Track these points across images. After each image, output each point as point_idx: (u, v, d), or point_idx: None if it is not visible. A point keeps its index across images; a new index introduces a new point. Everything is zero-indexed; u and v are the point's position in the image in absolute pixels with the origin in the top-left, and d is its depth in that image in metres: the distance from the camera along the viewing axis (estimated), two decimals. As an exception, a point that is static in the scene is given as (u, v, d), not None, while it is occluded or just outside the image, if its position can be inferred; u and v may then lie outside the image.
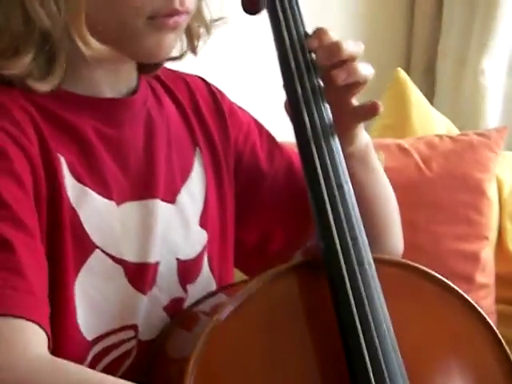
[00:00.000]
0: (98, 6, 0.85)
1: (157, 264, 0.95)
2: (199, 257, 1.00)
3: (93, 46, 0.86)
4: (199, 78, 1.08)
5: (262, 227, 1.07)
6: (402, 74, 2.06)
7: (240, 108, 1.10)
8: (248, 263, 1.08)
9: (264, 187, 1.06)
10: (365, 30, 2.32)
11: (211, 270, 1.01)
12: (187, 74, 1.07)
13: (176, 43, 0.93)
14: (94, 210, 0.90)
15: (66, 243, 0.88)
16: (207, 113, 1.04)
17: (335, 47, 0.92)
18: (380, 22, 2.41)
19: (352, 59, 0.92)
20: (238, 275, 1.08)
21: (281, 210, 1.06)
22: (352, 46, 0.93)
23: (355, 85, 0.93)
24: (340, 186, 0.90)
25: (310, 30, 0.96)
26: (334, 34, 0.94)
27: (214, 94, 1.07)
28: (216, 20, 0.97)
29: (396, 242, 1.12)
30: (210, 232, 1.01)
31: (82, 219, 0.90)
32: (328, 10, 2.19)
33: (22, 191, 0.83)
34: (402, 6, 2.47)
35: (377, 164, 1.06)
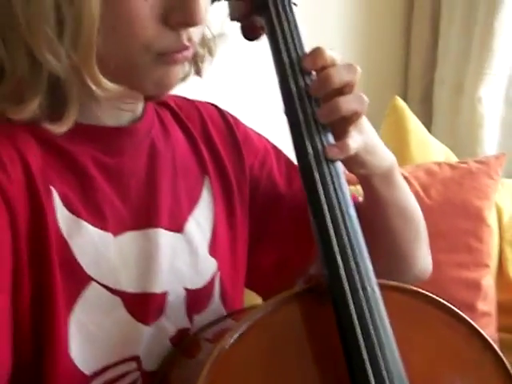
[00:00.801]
0: (107, 45, 0.82)
1: (164, 294, 0.94)
2: (208, 285, 0.98)
3: (104, 86, 0.84)
4: (212, 105, 1.08)
5: (280, 249, 1.06)
6: (400, 102, 2.07)
7: (256, 133, 1.09)
8: (264, 285, 1.07)
9: (283, 210, 1.06)
10: (362, 59, 2.33)
11: (222, 298, 1.00)
12: (200, 102, 1.07)
13: (182, 73, 0.92)
14: (89, 242, 0.89)
15: (54, 277, 0.86)
16: (219, 140, 1.04)
17: (325, 77, 0.90)
18: (377, 50, 2.43)
19: (345, 88, 0.91)
20: (248, 299, 1.08)
21: (298, 233, 1.05)
22: (345, 74, 0.91)
23: (345, 119, 0.91)
24: (343, 212, 0.89)
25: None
26: (331, 54, 0.92)
27: (228, 122, 1.06)
28: (215, 37, 0.96)
29: (425, 261, 1.12)
30: (220, 260, 1.00)
31: (75, 251, 0.88)
32: (325, 37, 2.20)
33: None
34: (399, 34, 2.49)
35: (402, 182, 1.05)
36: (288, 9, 0.95)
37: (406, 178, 1.79)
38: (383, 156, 1.00)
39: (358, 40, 2.39)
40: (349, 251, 0.88)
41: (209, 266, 0.99)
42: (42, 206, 0.85)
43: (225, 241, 1.02)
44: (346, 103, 0.90)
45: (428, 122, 2.31)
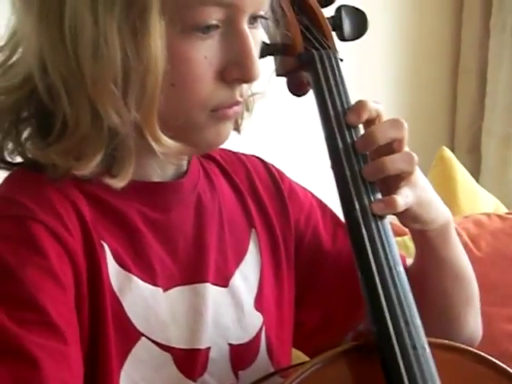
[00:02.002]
0: (166, 102, 0.83)
1: (208, 349, 0.93)
2: (254, 340, 0.97)
3: (164, 144, 0.84)
4: (257, 158, 1.08)
5: (324, 308, 1.05)
6: (447, 152, 2.06)
7: (301, 187, 1.09)
8: (309, 344, 1.06)
9: (327, 268, 1.05)
10: (408, 109, 2.33)
11: (268, 353, 0.99)
12: (245, 155, 1.07)
13: (231, 129, 0.92)
14: (139, 297, 0.89)
15: (108, 333, 0.86)
16: (265, 194, 1.04)
17: (369, 134, 0.90)
18: (424, 101, 2.42)
19: (392, 144, 0.90)
20: (295, 354, 1.06)
21: (343, 290, 1.03)
22: (390, 130, 0.91)
23: (393, 176, 0.91)
24: (391, 268, 0.88)
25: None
26: (375, 106, 0.92)
27: (273, 175, 1.06)
28: (254, 94, 0.96)
29: (476, 325, 1.09)
30: (266, 315, 0.99)
31: (126, 307, 0.88)
32: (372, 89, 2.20)
33: (60, 291, 0.81)
34: (446, 84, 2.48)
35: (457, 241, 1.04)
36: (335, 65, 0.96)
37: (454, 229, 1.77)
38: (438, 211, 0.99)
39: (405, 91, 2.39)
40: (397, 308, 0.87)
41: (254, 321, 0.98)
42: (98, 260, 0.86)
43: (271, 295, 1.01)
44: (393, 163, 0.90)
45: (476, 172, 2.30)
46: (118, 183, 0.85)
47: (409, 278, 0.89)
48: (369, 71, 2.26)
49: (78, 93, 0.82)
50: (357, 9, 1.02)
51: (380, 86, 2.33)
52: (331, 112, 0.93)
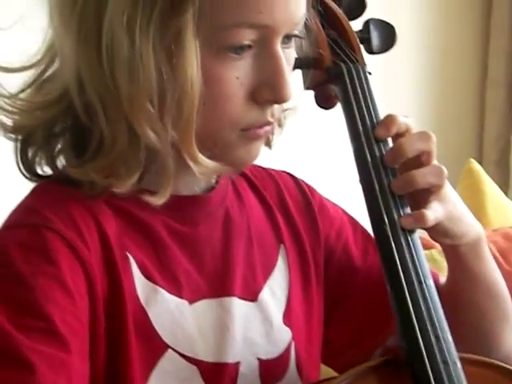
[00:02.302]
0: (200, 121, 0.83)
1: (237, 364, 0.93)
2: (283, 355, 0.97)
3: (202, 163, 0.84)
4: (287, 173, 1.08)
5: (353, 325, 1.04)
6: (475, 164, 2.04)
7: (331, 203, 1.08)
8: (337, 360, 1.05)
9: (357, 284, 1.04)
10: (436, 122, 2.32)
11: (298, 368, 0.98)
12: (275, 170, 1.07)
13: (262, 147, 0.92)
14: (165, 309, 0.89)
15: (130, 346, 0.86)
16: (295, 209, 1.03)
17: (398, 147, 0.90)
18: (451, 113, 2.42)
19: (421, 157, 0.90)
20: (323, 369, 1.06)
21: (373, 305, 1.02)
22: (419, 142, 0.90)
23: (423, 190, 0.90)
24: (421, 282, 0.88)
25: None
26: (404, 120, 0.92)
27: (303, 191, 1.06)
28: (285, 110, 0.96)
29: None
30: (295, 330, 0.98)
31: (152, 319, 0.88)
32: (399, 101, 2.20)
33: (69, 301, 0.81)
34: (473, 96, 2.47)
35: (489, 256, 1.02)
36: (363, 78, 0.96)
37: (483, 242, 1.76)
38: (469, 226, 0.98)
39: (432, 102, 2.39)
40: (427, 323, 0.86)
41: (283, 336, 0.97)
42: (119, 275, 0.86)
43: (300, 310, 1.00)
44: (422, 176, 0.89)
45: (504, 185, 2.28)
46: (158, 201, 0.86)
47: (441, 295, 0.88)
48: (396, 83, 2.25)
49: (115, 111, 0.83)
50: (385, 22, 1.02)
51: (407, 97, 2.32)
52: (359, 125, 0.92)
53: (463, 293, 1.01)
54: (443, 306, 0.88)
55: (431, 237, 0.95)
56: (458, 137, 2.41)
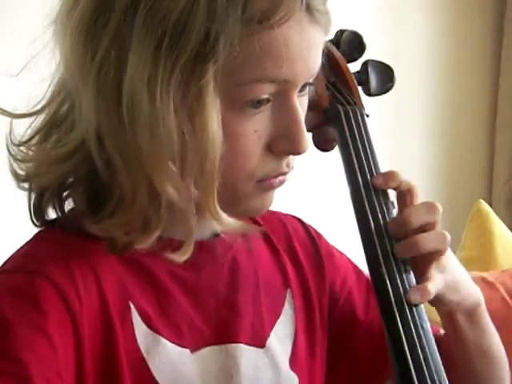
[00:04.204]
0: (219, 176, 0.81)
1: None
2: None
3: (224, 221, 0.83)
4: (296, 218, 1.07)
5: (353, 375, 1.03)
6: (484, 205, 2.04)
7: (338, 251, 1.07)
8: None
9: (359, 335, 1.03)
10: (445, 162, 2.32)
11: None
12: (284, 214, 1.06)
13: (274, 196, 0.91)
14: (167, 359, 0.87)
15: None
16: (303, 255, 1.02)
17: (403, 220, 0.89)
18: (461, 154, 2.42)
19: (425, 226, 0.89)
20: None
21: (375, 359, 1.01)
22: (425, 215, 0.89)
23: (425, 256, 0.89)
24: (418, 327, 0.87)
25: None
26: (405, 180, 0.91)
27: (312, 236, 1.05)
28: None
29: None
30: (301, 376, 0.97)
31: (153, 369, 0.86)
32: (410, 143, 2.21)
33: (49, 351, 0.79)
34: (483, 138, 2.48)
35: (487, 321, 1.00)
36: (360, 121, 0.95)
37: (491, 283, 1.75)
38: (466, 293, 0.96)
39: (442, 144, 2.39)
40: (425, 370, 0.85)
41: (291, 382, 0.96)
42: (114, 330, 0.84)
43: (304, 356, 0.98)
44: (425, 242, 0.88)
45: (514, 226, 2.27)
46: (182, 257, 0.84)
47: (438, 345, 0.87)
48: (405, 124, 2.26)
49: (134, 168, 0.81)
50: (383, 63, 1.01)
51: (418, 138, 2.32)
52: (356, 166, 0.92)
53: (458, 357, 0.99)
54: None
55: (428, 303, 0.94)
56: (468, 178, 2.41)
